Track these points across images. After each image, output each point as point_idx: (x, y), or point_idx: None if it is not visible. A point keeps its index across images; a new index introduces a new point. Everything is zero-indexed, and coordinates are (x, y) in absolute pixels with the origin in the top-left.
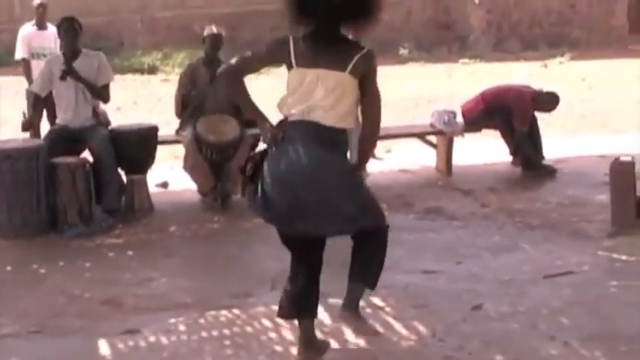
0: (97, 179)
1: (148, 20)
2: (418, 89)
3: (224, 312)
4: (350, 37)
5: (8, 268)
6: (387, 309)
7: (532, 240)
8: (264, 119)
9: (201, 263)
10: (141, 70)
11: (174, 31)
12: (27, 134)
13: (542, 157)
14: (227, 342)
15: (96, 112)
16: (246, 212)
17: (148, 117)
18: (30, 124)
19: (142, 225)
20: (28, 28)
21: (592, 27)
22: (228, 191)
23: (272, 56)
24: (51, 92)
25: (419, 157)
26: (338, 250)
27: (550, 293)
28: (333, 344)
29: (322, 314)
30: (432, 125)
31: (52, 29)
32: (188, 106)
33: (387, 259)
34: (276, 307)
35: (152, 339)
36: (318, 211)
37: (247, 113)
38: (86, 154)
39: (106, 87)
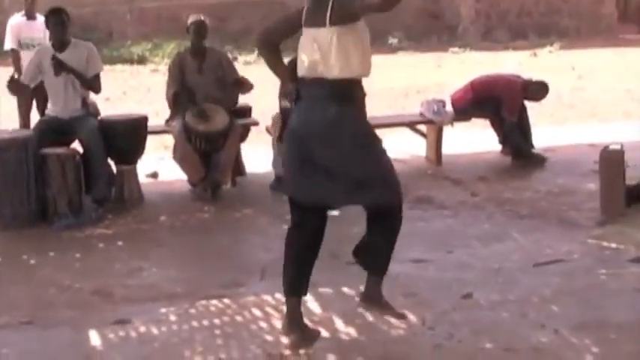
0: (86, 170)
1: (136, 11)
2: (408, 79)
3: (214, 302)
4: None
5: None
6: None
7: (522, 229)
8: (286, 82)
9: (192, 253)
10: (130, 61)
11: (163, 22)
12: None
13: (532, 146)
14: (217, 332)
15: (85, 103)
16: (236, 202)
17: (137, 107)
18: (17, 86)
19: (132, 215)
20: (17, 19)
21: (581, 16)
22: (218, 181)
23: (294, 19)
24: (41, 83)
25: (408, 147)
26: (327, 240)
27: (540, 282)
28: (324, 333)
29: (312, 303)
30: (421, 115)
31: (41, 19)
32: (179, 103)
33: None
34: (266, 297)
35: (143, 329)
36: (327, 177)
37: (275, 74)
38: (76, 145)
39: (97, 77)
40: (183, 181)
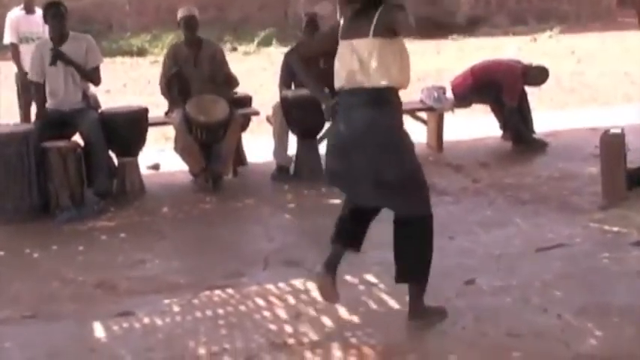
0: (87, 163)
1: (135, 2)
2: None
3: (217, 292)
4: None
5: (1, 253)
6: (381, 285)
7: (523, 214)
8: (325, 97)
9: (194, 244)
10: (130, 53)
11: (162, 13)
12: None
13: (533, 132)
14: (221, 322)
15: (86, 96)
16: (237, 192)
17: (137, 99)
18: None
19: (134, 207)
20: (16, 13)
21: (580, 1)
22: (219, 172)
23: (335, 35)
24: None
25: (409, 134)
26: (329, 230)
27: (542, 266)
28: (326, 320)
29: (315, 292)
30: (421, 102)
31: (40, 13)
32: (172, 85)
33: (379, 235)
34: (269, 286)
35: (146, 320)
36: (365, 178)
37: (307, 87)
38: (76, 138)
39: (96, 69)
40: (184, 172)
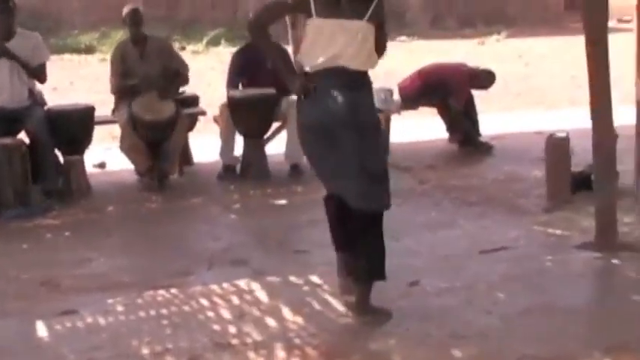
0: (33, 160)
1: None
2: None
3: (162, 292)
4: None
5: None
6: (325, 286)
7: (469, 216)
8: (292, 71)
9: (140, 243)
10: (78, 50)
11: (111, 10)
12: None
13: (479, 135)
14: (165, 322)
15: (32, 93)
16: (184, 192)
17: (85, 97)
18: None
19: (80, 206)
20: None
21: (528, 4)
22: (165, 171)
23: (294, 6)
24: None
25: None
26: (274, 229)
27: (486, 268)
28: (270, 321)
29: (259, 292)
30: None
31: None
32: (124, 96)
33: (323, 236)
34: (213, 287)
35: (90, 320)
36: (349, 163)
37: (274, 63)
38: (22, 135)
39: (42, 66)
40: (130, 171)
